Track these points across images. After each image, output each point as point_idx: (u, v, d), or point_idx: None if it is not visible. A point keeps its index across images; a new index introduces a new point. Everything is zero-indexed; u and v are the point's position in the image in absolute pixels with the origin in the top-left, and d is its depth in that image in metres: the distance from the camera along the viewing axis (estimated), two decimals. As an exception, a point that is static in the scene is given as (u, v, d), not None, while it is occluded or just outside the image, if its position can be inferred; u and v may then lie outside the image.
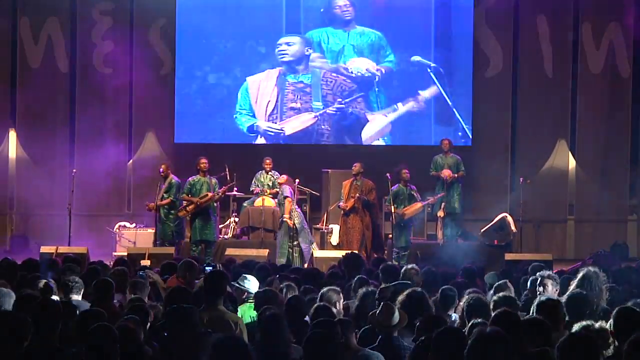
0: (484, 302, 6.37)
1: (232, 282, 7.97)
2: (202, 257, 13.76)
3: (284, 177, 14.77)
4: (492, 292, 7.69)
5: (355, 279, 8.29)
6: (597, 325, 5.67)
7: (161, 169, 14.93)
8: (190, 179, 14.46)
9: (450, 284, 7.97)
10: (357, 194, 14.32)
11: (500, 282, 7.95)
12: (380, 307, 6.26)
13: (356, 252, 11.69)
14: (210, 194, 14.24)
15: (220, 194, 14.40)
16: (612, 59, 17.41)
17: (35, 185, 17.16)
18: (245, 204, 15.74)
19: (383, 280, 8.32)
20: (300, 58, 17.36)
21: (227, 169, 15.42)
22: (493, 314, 5.43)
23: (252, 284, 7.93)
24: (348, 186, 14.53)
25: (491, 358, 4.13)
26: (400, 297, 6.50)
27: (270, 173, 15.53)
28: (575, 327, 5.50)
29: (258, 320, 6.65)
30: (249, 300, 7.66)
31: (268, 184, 15.46)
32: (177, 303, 5.97)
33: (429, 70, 17.29)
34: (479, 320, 5.53)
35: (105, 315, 5.66)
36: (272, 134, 17.24)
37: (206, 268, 10.10)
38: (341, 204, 14.54)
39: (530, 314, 6.01)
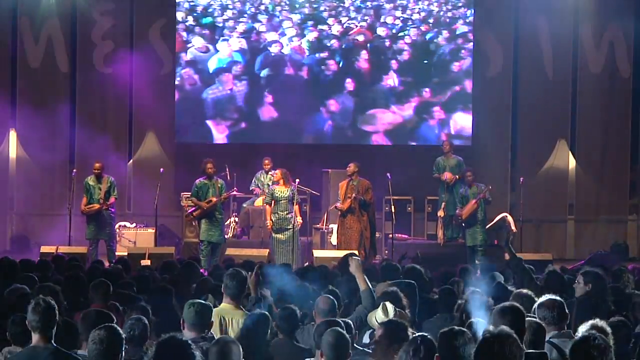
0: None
1: None
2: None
3: (278, 173, 14.37)
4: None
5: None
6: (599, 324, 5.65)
7: (96, 167, 14.56)
8: (197, 181, 14.25)
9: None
10: (354, 194, 14.23)
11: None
12: (380, 307, 6.26)
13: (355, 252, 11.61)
14: (214, 199, 14.15)
15: (222, 199, 14.33)
16: (612, 59, 17.40)
17: (35, 185, 17.15)
18: (245, 205, 15.74)
19: (383, 278, 8.29)
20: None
21: (227, 169, 15.41)
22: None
23: None
24: (344, 187, 14.39)
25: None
26: None
27: (270, 173, 15.50)
28: (583, 327, 5.49)
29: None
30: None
31: (268, 184, 15.41)
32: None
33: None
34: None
35: (111, 317, 5.62)
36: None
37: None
38: (338, 204, 14.48)
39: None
